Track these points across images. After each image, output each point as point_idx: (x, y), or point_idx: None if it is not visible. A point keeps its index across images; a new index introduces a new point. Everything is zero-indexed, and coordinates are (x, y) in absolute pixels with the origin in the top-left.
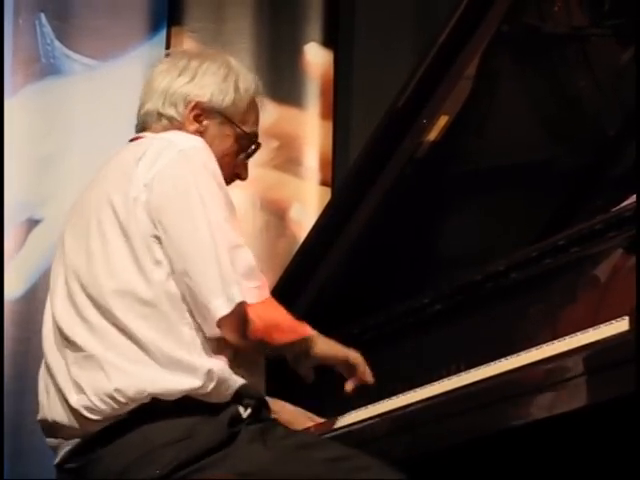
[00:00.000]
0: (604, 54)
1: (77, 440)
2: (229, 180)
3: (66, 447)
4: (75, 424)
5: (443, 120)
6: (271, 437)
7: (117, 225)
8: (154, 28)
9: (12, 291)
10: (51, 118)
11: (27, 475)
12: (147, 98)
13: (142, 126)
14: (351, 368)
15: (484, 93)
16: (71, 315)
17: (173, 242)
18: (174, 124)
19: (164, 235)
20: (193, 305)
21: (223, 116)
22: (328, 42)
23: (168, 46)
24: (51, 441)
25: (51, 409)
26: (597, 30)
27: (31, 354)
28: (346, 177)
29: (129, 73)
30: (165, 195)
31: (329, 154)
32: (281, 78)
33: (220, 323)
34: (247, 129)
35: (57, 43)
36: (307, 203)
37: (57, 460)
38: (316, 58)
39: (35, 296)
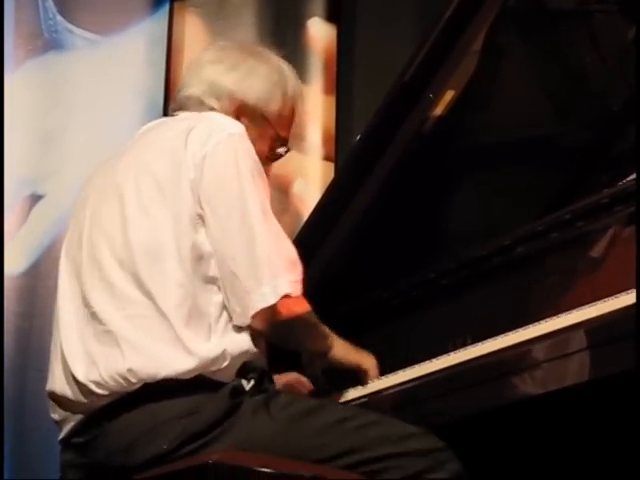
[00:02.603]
0: (609, 30)
1: (82, 414)
2: None
3: (71, 421)
4: (82, 398)
5: (449, 95)
6: (274, 406)
7: (161, 200)
8: (156, 3)
9: (15, 267)
10: (53, 93)
11: (29, 453)
12: (191, 82)
13: (180, 107)
14: (362, 372)
15: (490, 68)
16: (95, 279)
17: (221, 225)
18: (213, 110)
19: (211, 216)
20: (230, 290)
21: (265, 120)
22: (331, 17)
23: (171, 21)
24: (56, 415)
25: (59, 381)
26: (602, 6)
27: (34, 330)
28: (350, 152)
29: (131, 48)
30: (217, 178)
31: (332, 129)
32: (284, 53)
33: (258, 312)
34: (282, 133)
35: (59, 18)
36: (310, 178)
37: (62, 435)
38: (319, 33)
39: (38, 272)
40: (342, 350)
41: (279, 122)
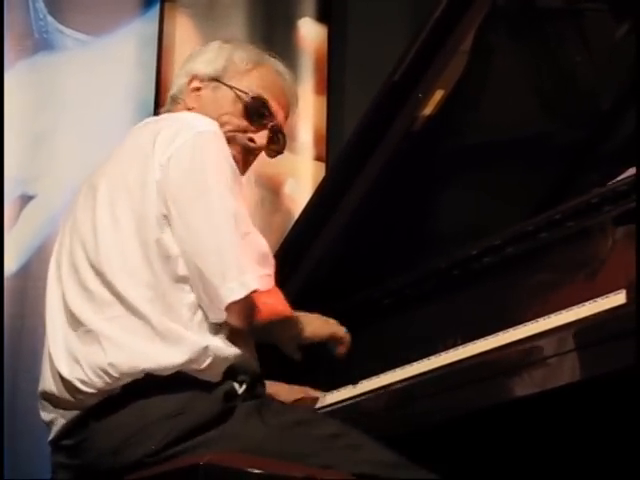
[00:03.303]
0: (599, 28)
1: (71, 415)
2: (244, 147)
3: (60, 422)
4: (67, 395)
5: (439, 94)
6: (267, 413)
7: (128, 203)
8: (147, 3)
9: (5, 268)
10: (44, 93)
11: (21, 454)
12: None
13: (166, 109)
14: (337, 342)
15: (479, 67)
16: (73, 282)
17: (187, 223)
18: (178, 102)
19: (177, 215)
20: (200, 287)
21: (215, 80)
22: (322, 17)
23: (161, 21)
24: (46, 415)
25: (48, 380)
26: (592, 4)
27: (24, 331)
28: (341, 152)
29: (122, 48)
30: (181, 176)
31: (323, 129)
32: (275, 53)
33: (228, 308)
34: (246, 89)
35: (50, 18)
36: (301, 178)
37: (51, 436)
38: (310, 33)
39: (28, 272)
40: (310, 329)
41: (234, 80)
